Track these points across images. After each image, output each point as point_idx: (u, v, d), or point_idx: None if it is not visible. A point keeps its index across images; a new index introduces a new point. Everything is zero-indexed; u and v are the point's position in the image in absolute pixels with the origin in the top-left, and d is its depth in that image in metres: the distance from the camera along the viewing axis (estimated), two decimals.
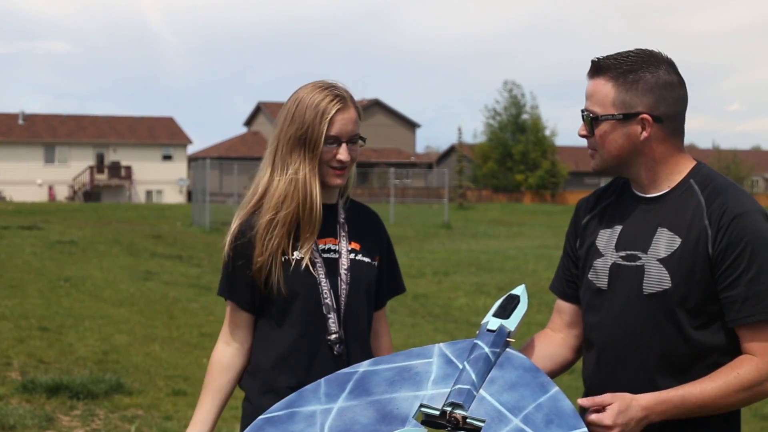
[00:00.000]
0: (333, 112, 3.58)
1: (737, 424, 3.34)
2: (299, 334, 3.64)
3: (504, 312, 3.32)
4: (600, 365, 3.33)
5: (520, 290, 3.48)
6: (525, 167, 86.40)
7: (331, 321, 3.62)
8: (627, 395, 3.04)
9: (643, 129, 3.23)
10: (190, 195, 64.74)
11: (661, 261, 3.20)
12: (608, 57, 3.27)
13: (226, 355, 3.74)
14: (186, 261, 24.13)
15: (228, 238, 3.70)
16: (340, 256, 3.68)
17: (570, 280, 3.57)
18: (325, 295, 3.62)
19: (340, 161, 3.62)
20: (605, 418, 3.00)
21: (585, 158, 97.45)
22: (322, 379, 3.18)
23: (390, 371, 3.15)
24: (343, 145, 3.62)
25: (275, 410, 3.10)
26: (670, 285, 3.18)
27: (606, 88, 3.23)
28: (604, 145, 3.27)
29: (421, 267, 24.89)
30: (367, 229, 3.85)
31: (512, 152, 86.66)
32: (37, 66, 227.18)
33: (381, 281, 3.86)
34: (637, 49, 3.28)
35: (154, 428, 8.47)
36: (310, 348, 3.63)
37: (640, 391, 3.14)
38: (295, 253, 3.62)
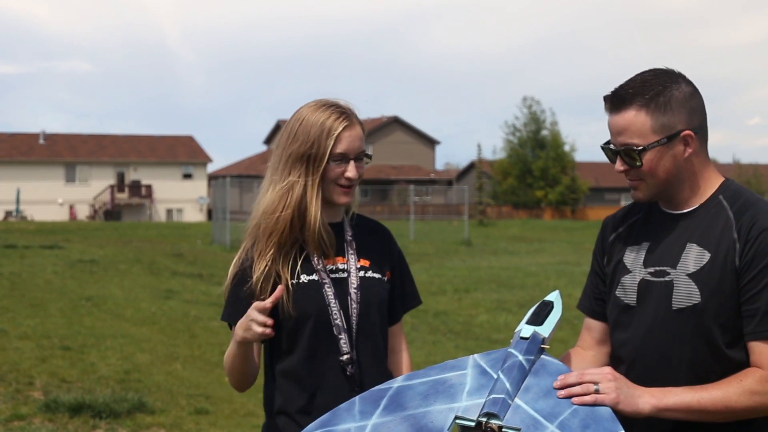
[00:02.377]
0: (340, 129, 3.57)
1: None
2: (310, 357, 3.60)
3: (537, 319, 3.29)
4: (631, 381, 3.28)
5: (553, 296, 3.45)
6: (545, 183, 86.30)
7: (342, 342, 3.59)
8: (631, 386, 3.09)
9: (687, 146, 3.22)
10: (210, 213, 64.79)
11: (690, 276, 3.19)
12: (625, 88, 3.23)
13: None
14: (207, 279, 24.15)
15: (232, 263, 3.70)
16: (349, 275, 3.66)
17: (599, 298, 3.55)
18: (335, 316, 3.59)
19: (349, 179, 3.60)
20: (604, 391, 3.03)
21: (605, 174, 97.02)
22: (357, 397, 3.16)
23: (424, 385, 3.13)
24: (351, 162, 3.60)
25: (310, 430, 3.08)
26: (699, 300, 3.17)
27: (640, 117, 3.18)
28: (655, 173, 3.22)
29: (442, 284, 24.84)
30: (376, 244, 3.82)
31: (532, 168, 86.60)
32: (57, 85, 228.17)
33: (394, 295, 3.83)
34: (649, 71, 3.26)
35: None
36: (322, 370, 3.60)
37: None
38: (303, 276, 3.60)
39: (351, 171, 3.60)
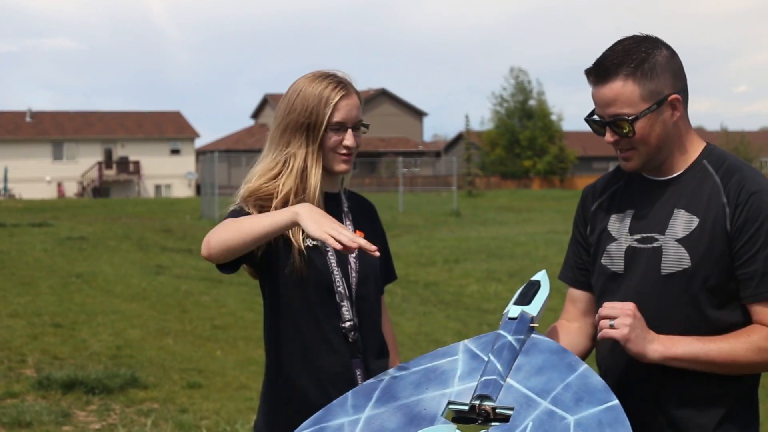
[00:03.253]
0: (337, 98, 3.60)
1: (757, 406, 3.34)
2: (313, 321, 3.63)
3: (524, 299, 3.30)
4: (617, 348, 3.28)
5: (540, 275, 3.46)
6: (533, 153, 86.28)
7: (344, 309, 3.63)
8: (649, 332, 3.12)
9: (674, 109, 3.22)
10: (198, 188, 64.72)
11: (680, 241, 3.20)
12: (608, 59, 3.21)
13: None
14: (196, 254, 24.11)
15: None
16: None
17: (582, 268, 3.54)
18: (338, 283, 3.63)
19: (348, 147, 3.64)
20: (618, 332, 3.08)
21: (593, 143, 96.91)
22: (350, 392, 3.16)
23: (416, 374, 3.14)
24: (349, 131, 3.64)
25: (304, 428, 3.07)
26: (689, 265, 3.18)
27: (628, 87, 3.16)
28: (647, 141, 3.21)
29: (432, 255, 24.88)
30: (367, 218, 3.89)
31: (519, 138, 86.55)
32: (43, 63, 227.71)
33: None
34: (628, 39, 3.24)
35: (170, 421, 8.50)
36: (324, 335, 3.63)
37: (658, 373, 3.17)
38: (308, 240, 3.61)
39: (349, 139, 3.63)
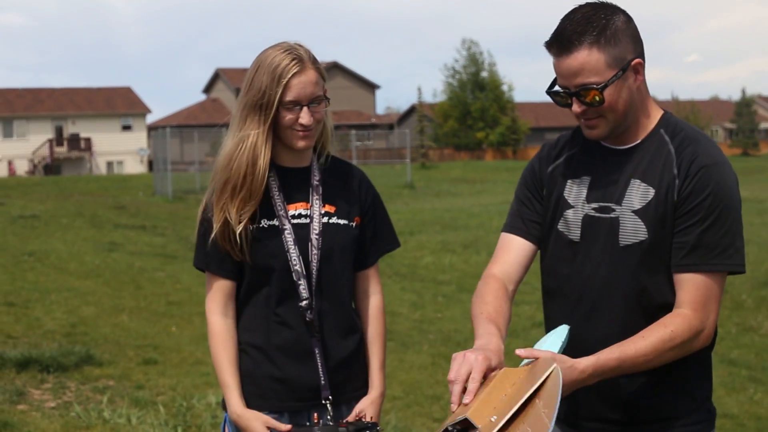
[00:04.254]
0: (289, 76, 3.52)
1: (710, 369, 3.38)
2: (270, 301, 3.63)
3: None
4: (574, 316, 3.30)
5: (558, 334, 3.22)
6: (485, 125, 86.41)
7: (301, 288, 3.60)
8: (567, 358, 2.94)
9: (637, 74, 3.19)
10: (151, 164, 64.35)
11: (636, 212, 3.20)
12: (569, 29, 3.14)
13: (228, 324, 3.69)
14: (150, 231, 24.04)
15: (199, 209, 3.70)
16: (311, 221, 3.65)
17: (532, 221, 3.46)
18: (294, 262, 3.59)
19: (303, 125, 3.56)
20: None
21: (545, 114, 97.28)
22: None
23: None
24: (305, 109, 3.55)
25: None
26: (646, 236, 3.18)
27: (593, 56, 3.10)
28: (615, 108, 3.17)
29: None
30: (346, 188, 3.79)
31: (471, 110, 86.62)
32: None
33: (366, 240, 3.81)
34: (585, 6, 3.19)
35: (126, 398, 8.47)
36: (281, 315, 3.62)
37: (614, 339, 3.15)
38: (263, 221, 3.60)
39: (304, 118, 3.55)
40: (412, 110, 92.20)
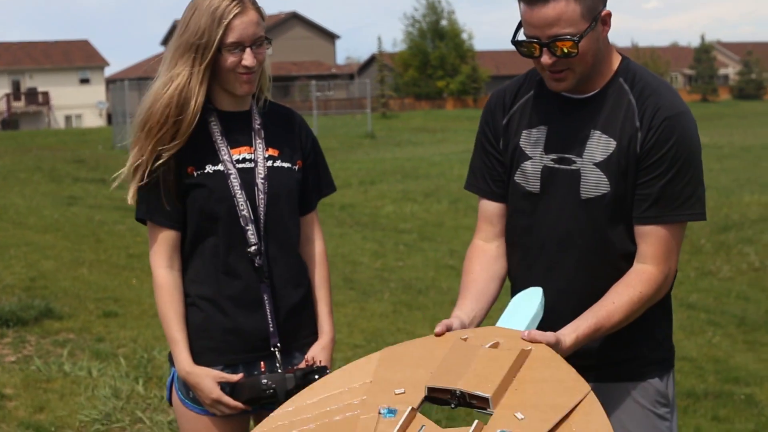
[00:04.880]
0: (230, 17, 3.41)
1: (670, 310, 3.42)
2: (217, 247, 3.56)
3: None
4: (534, 269, 3.31)
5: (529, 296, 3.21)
6: (445, 73, 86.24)
7: (249, 233, 3.54)
8: (557, 338, 2.93)
9: (605, 24, 3.15)
10: (110, 118, 63.86)
11: (598, 165, 3.17)
12: None
13: (174, 277, 3.61)
14: (110, 184, 23.84)
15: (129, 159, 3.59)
16: (256, 165, 3.58)
17: (497, 179, 3.43)
18: (242, 207, 3.53)
19: (247, 67, 3.47)
20: None
21: (505, 62, 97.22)
22: None
23: None
24: (248, 50, 3.46)
25: None
26: (608, 189, 3.17)
27: (570, 6, 3.04)
28: (586, 59, 3.12)
29: (347, 177, 24.86)
30: (287, 132, 3.72)
31: (431, 59, 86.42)
32: None
33: (307, 184, 3.76)
34: None
35: (87, 351, 8.45)
36: (230, 261, 3.56)
37: (575, 291, 3.21)
38: (208, 166, 3.53)
39: (247, 59, 3.46)
40: (372, 60, 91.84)
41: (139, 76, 78.33)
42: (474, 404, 2.64)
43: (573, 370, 2.77)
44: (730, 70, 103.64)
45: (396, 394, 2.67)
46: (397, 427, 2.53)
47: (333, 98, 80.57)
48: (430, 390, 2.67)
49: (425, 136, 44.83)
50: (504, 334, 2.93)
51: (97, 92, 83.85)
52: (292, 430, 2.66)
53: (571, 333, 2.99)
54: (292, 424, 2.69)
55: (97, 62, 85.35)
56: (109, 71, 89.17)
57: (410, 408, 2.59)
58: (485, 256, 3.44)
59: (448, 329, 3.01)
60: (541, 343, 2.87)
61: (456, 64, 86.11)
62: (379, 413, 2.60)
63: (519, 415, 2.56)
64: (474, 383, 2.63)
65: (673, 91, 3.26)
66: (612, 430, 2.56)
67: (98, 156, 33.87)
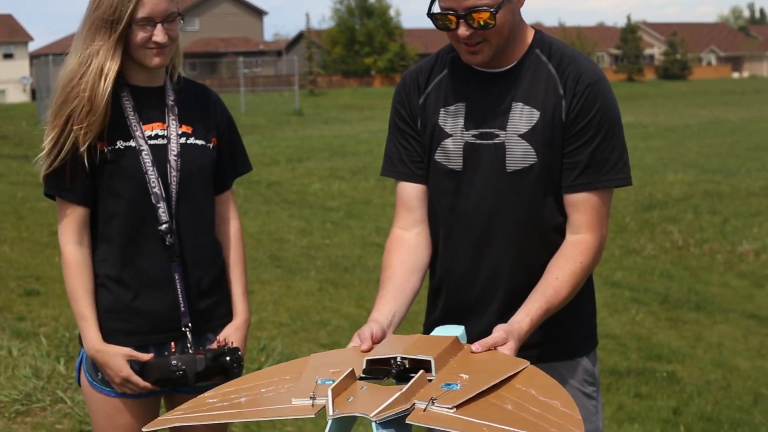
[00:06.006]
0: None
1: (593, 287, 3.42)
2: (129, 224, 3.49)
3: None
4: (460, 249, 3.27)
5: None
6: (373, 51, 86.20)
7: (160, 210, 3.48)
8: (513, 329, 2.86)
9: None
10: (34, 93, 63.03)
11: (523, 136, 3.14)
12: None
13: (83, 253, 3.53)
14: (33, 161, 23.58)
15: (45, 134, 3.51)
16: (169, 141, 3.51)
17: (416, 160, 3.36)
18: (153, 184, 3.46)
19: (157, 43, 3.41)
20: None
21: (433, 39, 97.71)
22: None
23: None
24: (159, 26, 3.40)
25: None
26: (535, 160, 3.14)
27: None
28: (502, 31, 3.08)
29: (274, 155, 24.80)
30: (202, 109, 3.66)
31: (359, 36, 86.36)
32: None
33: (223, 163, 3.70)
34: None
35: (8, 330, 8.33)
36: (141, 238, 3.50)
37: (508, 266, 3.19)
38: (119, 142, 3.46)
39: (158, 35, 3.41)
40: (300, 37, 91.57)
41: (63, 52, 77.44)
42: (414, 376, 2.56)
43: (511, 355, 2.74)
44: (656, 50, 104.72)
45: (331, 372, 2.60)
46: (339, 380, 2.45)
47: (260, 75, 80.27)
48: (370, 362, 2.61)
49: (353, 113, 44.82)
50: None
51: (20, 67, 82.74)
52: (224, 403, 2.59)
53: (524, 317, 2.94)
54: (223, 398, 2.63)
55: (21, 37, 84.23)
56: (33, 46, 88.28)
57: (350, 369, 2.52)
58: (404, 248, 3.34)
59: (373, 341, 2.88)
60: (493, 348, 2.78)
61: (384, 42, 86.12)
62: (316, 383, 2.54)
63: (464, 375, 2.52)
64: (415, 352, 2.59)
65: (590, 58, 3.27)
66: (559, 384, 2.53)
67: (22, 132, 33.38)
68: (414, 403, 2.36)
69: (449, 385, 2.45)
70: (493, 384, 2.48)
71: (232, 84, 65.53)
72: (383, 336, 2.94)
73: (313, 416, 2.39)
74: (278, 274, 11.42)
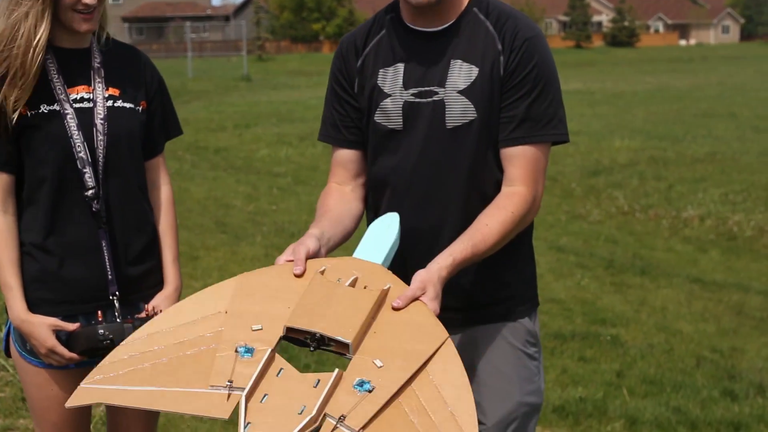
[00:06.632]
0: None
1: (532, 249, 3.44)
2: (54, 191, 3.40)
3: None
4: (403, 206, 3.27)
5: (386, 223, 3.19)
6: (321, 16, 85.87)
7: (86, 176, 3.39)
8: (431, 276, 2.85)
9: None
10: None
11: (462, 93, 3.16)
12: None
13: (8, 221, 3.44)
14: None
15: None
16: (95, 105, 3.43)
17: (351, 126, 3.39)
18: (78, 149, 3.37)
19: (86, 5, 3.33)
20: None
21: (382, 4, 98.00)
22: None
23: None
24: None
25: None
26: (475, 116, 3.16)
27: None
28: None
29: (222, 120, 24.66)
30: (130, 72, 3.58)
31: (307, 1, 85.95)
32: None
33: (153, 127, 3.63)
34: None
35: None
36: (67, 205, 3.42)
37: (451, 223, 3.19)
38: (43, 106, 3.37)
39: None
40: (248, 2, 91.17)
41: None
42: (332, 348, 2.60)
43: (432, 314, 2.73)
44: (604, 17, 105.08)
45: (253, 330, 2.61)
46: (256, 372, 2.47)
47: (208, 40, 79.78)
48: (289, 330, 2.62)
49: (301, 79, 44.63)
50: (363, 267, 2.89)
51: None
52: (144, 363, 2.58)
53: (447, 257, 2.93)
54: (144, 355, 2.60)
55: None
56: None
57: (269, 350, 2.54)
58: (340, 194, 3.40)
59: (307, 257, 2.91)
60: (416, 299, 2.78)
61: (332, 7, 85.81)
62: (236, 351, 2.55)
63: (378, 363, 2.53)
64: (334, 327, 2.58)
65: (527, 16, 3.29)
66: (467, 380, 2.53)
67: None
68: (325, 416, 2.39)
69: (362, 384, 2.46)
70: (406, 380, 2.50)
71: (179, 49, 65.06)
72: (318, 251, 2.96)
73: (226, 418, 2.40)
74: (224, 239, 11.39)
